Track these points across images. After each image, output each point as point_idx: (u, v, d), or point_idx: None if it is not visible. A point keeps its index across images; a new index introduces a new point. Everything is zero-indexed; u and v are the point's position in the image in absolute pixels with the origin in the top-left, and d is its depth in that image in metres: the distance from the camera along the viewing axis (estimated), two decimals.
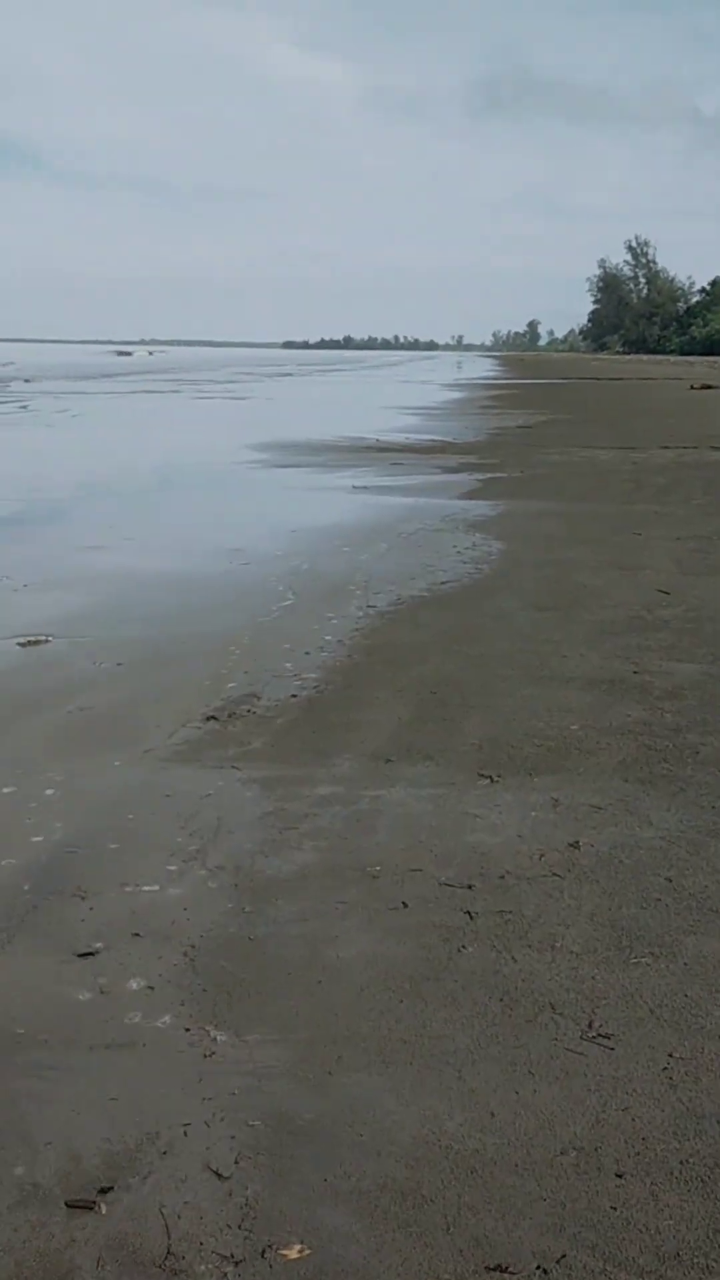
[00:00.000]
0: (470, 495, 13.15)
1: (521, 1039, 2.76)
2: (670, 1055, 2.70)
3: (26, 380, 47.05)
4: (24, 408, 29.94)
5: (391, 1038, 2.77)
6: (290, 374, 69.84)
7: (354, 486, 13.96)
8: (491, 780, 4.44)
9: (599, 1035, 2.78)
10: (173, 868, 3.67)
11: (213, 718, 5.17)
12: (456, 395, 41.19)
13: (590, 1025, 2.82)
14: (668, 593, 7.83)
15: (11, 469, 16.59)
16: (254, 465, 16.46)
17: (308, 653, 6.31)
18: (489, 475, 15.15)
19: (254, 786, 4.38)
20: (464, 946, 3.19)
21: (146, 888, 3.54)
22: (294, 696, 5.52)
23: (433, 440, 20.89)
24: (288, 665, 6.06)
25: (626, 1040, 2.75)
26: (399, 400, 36.66)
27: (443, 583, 8.26)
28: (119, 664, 6.09)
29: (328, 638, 6.65)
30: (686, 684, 5.70)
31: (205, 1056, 2.69)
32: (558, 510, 11.90)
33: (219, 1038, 2.77)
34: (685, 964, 3.11)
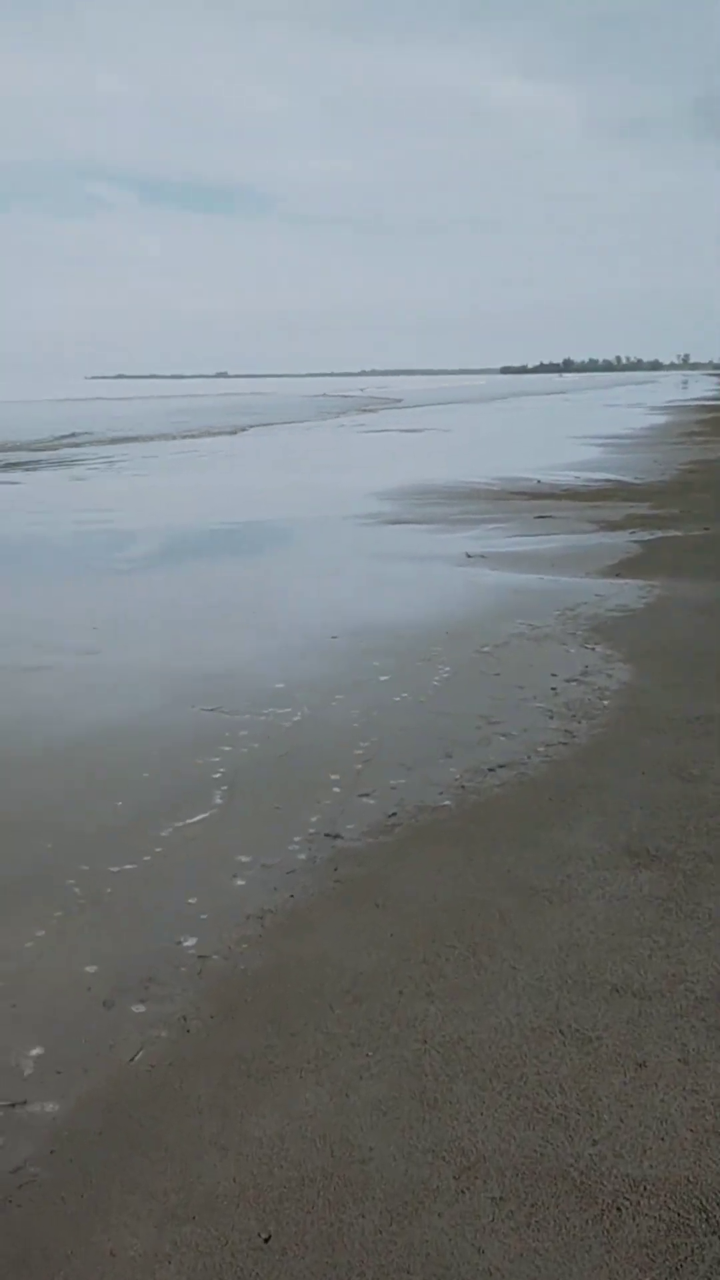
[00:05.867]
0: (618, 570, 9.54)
1: None
2: None
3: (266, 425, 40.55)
4: (181, 453, 27.98)
5: None
6: (489, 401, 66.32)
7: (467, 555, 10.61)
8: None
9: None
10: None
11: None
12: (660, 420, 36.64)
13: None
14: None
15: (91, 519, 13.99)
16: (365, 521, 13.35)
17: (123, 993, 3.10)
18: (656, 535, 11.41)
19: None
20: None
21: None
22: None
23: (605, 481, 17.15)
24: (35, 1052, 2.88)
25: None
26: (593, 428, 32.60)
27: (492, 769, 4.85)
28: None
29: (188, 944, 3.42)
30: None
31: None
32: None
33: None
34: None
